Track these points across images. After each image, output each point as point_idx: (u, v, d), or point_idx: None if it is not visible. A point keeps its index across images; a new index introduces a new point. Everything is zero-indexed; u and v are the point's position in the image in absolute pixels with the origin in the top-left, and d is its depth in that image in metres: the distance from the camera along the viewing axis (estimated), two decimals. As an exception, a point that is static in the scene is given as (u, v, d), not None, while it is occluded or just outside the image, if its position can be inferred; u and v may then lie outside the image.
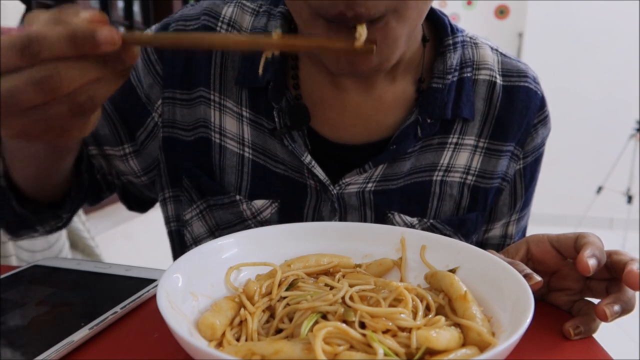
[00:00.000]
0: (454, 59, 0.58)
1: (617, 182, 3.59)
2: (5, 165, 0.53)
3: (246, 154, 0.60)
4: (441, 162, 0.60)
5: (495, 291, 0.39)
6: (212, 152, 0.60)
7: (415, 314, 0.36)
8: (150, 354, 0.38)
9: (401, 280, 0.46)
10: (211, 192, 0.61)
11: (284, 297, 0.39)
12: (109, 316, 0.42)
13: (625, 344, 2.20)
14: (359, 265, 0.48)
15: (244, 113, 0.59)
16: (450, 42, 0.58)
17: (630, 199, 3.48)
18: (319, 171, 0.58)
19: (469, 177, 0.60)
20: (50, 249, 1.13)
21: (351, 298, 0.38)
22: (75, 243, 1.26)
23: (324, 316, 0.35)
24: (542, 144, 0.64)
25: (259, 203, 0.59)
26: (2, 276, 0.51)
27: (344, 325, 0.32)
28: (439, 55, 0.58)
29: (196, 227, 0.64)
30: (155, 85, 0.61)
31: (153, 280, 0.50)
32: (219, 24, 0.60)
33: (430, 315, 0.37)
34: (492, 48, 0.63)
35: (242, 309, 0.39)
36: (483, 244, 0.68)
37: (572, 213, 3.86)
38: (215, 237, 0.61)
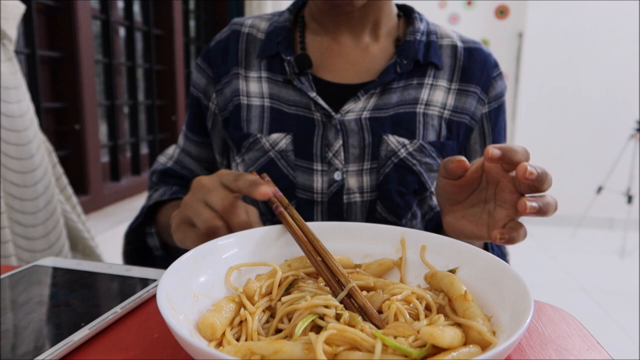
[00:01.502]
0: (420, 25, 0.77)
1: (617, 182, 3.60)
2: (162, 241, 0.78)
3: (266, 104, 0.75)
4: (421, 97, 0.75)
5: (495, 291, 0.39)
6: (241, 111, 0.76)
7: (416, 316, 0.36)
8: (150, 354, 0.38)
9: (401, 281, 0.46)
10: (242, 140, 0.75)
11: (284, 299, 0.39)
12: (108, 316, 0.42)
13: (625, 344, 2.20)
14: (359, 266, 0.48)
15: (263, 75, 0.77)
16: (417, 15, 0.79)
17: (630, 199, 3.48)
18: (322, 102, 0.72)
19: (445, 112, 0.75)
20: (50, 249, 1.13)
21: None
22: (75, 243, 1.26)
23: (321, 317, 0.35)
24: (502, 94, 0.79)
25: (274, 136, 0.73)
26: (2, 276, 0.51)
27: (349, 328, 0.32)
28: (409, 24, 0.78)
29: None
30: (210, 84, 0.81)
31: (153, 280, 0.50)
32: (243, 27, 0.80)
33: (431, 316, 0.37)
34: (451, 30, 0.81)
35: (242, 309, 0.39)
36: None
37: (572, 213, 3.87)
38: None
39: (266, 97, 0.75)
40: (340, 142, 0.72)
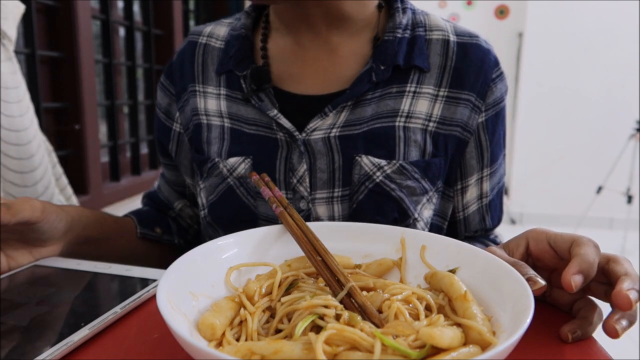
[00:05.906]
0: (402, 18, 0.66)
1: (617, 182, 3.59)
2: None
3: (225, 124, 0.68)
4: (401, 108, 0.64)
5: (495, 291, 0.39)
6: (202, 132, 0.70)
7: (416, 316, 0.36)
8: (150, 354, 0.38)
9: (401, 281, 0.46)
10: (202, 164, 0.69)
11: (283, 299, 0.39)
12: (109, 316, 0.42)
13: (625, 344, 2.20)
14: (359, 266, 0.48)
15: (221, 92, 0.69)
16: (399, 6, 0.67)
17: (630, 199, 3.48)
18: (284, 121, 0.63)
19: (431, 124, 0.65)
20: (50, 249, 1.12)
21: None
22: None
23: (321, 317, 0.35)
24: (502, 99, 0.68)
25: (232, 160, 0.66)
26: (2, 276, 0.51)
27: (348, 327, 0.32)
28: (389, 17, 0.66)
29: (200, 200, 0.72)
30: (172, 103, 0.74)
31: (153, 280, 0.50)
32: (200, 37, 0.73)
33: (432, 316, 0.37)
34: (443, 19, 0.69)
35: (242, 309, 0.39)
36: (465, 218, 0.71)
37: (572, 213, 3.87)
38: (207, 205, 0.69)
39: (225, 117, 0.68)
40: (305, 166, 0.63)
